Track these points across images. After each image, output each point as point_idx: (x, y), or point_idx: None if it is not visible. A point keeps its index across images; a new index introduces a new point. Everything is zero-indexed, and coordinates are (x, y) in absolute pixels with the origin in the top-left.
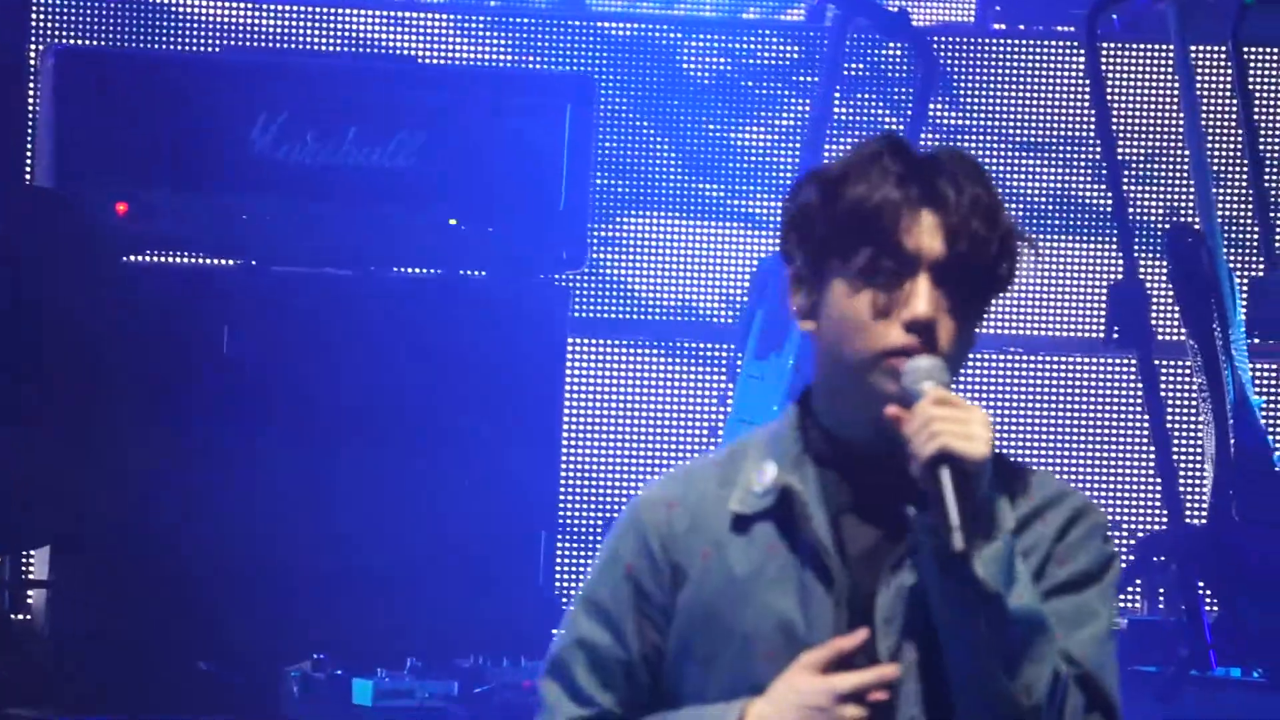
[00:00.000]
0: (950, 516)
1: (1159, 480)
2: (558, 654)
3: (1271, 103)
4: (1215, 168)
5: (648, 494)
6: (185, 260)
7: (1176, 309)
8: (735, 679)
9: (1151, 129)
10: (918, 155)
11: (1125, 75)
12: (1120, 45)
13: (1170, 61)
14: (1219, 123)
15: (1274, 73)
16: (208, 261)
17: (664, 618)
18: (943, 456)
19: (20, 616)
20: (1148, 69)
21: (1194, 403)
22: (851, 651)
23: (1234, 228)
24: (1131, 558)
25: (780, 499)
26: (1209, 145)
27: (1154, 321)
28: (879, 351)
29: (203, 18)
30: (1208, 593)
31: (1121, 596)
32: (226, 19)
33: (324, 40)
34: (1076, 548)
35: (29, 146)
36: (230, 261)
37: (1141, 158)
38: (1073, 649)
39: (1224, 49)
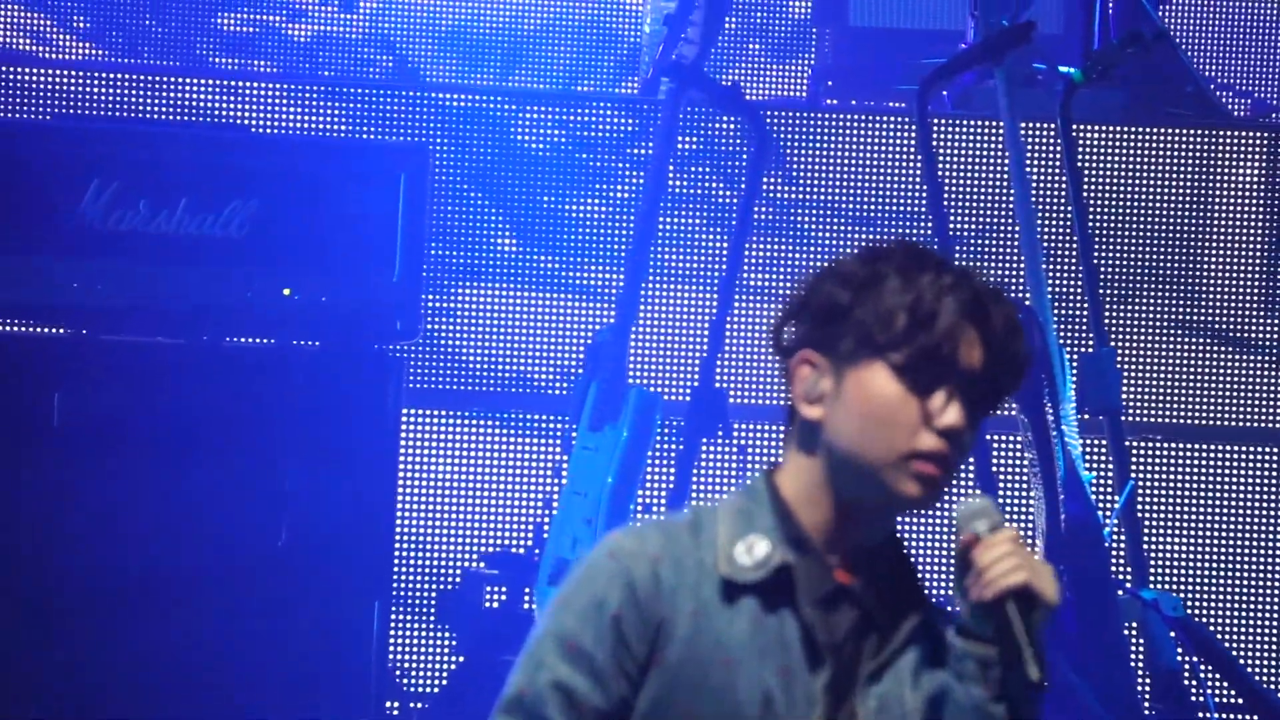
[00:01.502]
0: (1025, 650)
1: None
2: (528, 695)
3: (1100, 180)
4: (1045, 244)
5: (627, 545)
6: (14, 328)
7: None
8: None
9: (982, 205)
10: (956, 266)
11: (956, 151)
12: (951, 121)
13: (1000, 138)
14: (1049, 199)
15: (1103, 150)
16: (38, 329)
17: (639, 672)
18: (1018, 593)
19: None
20: (978, 145)
21: (1025, 477)
22: None
23: (1064, 304)
24: None
25: (774, 575)
26: (1039, 221)
27: None
28: (907, 452)
29: (34, 84)
30: None
31: None
32: (58, 86)
33: (158, 109)
34: None
35: None
36: (61, 330)
37: (972, 233)
38: None
39: (1054, 126)
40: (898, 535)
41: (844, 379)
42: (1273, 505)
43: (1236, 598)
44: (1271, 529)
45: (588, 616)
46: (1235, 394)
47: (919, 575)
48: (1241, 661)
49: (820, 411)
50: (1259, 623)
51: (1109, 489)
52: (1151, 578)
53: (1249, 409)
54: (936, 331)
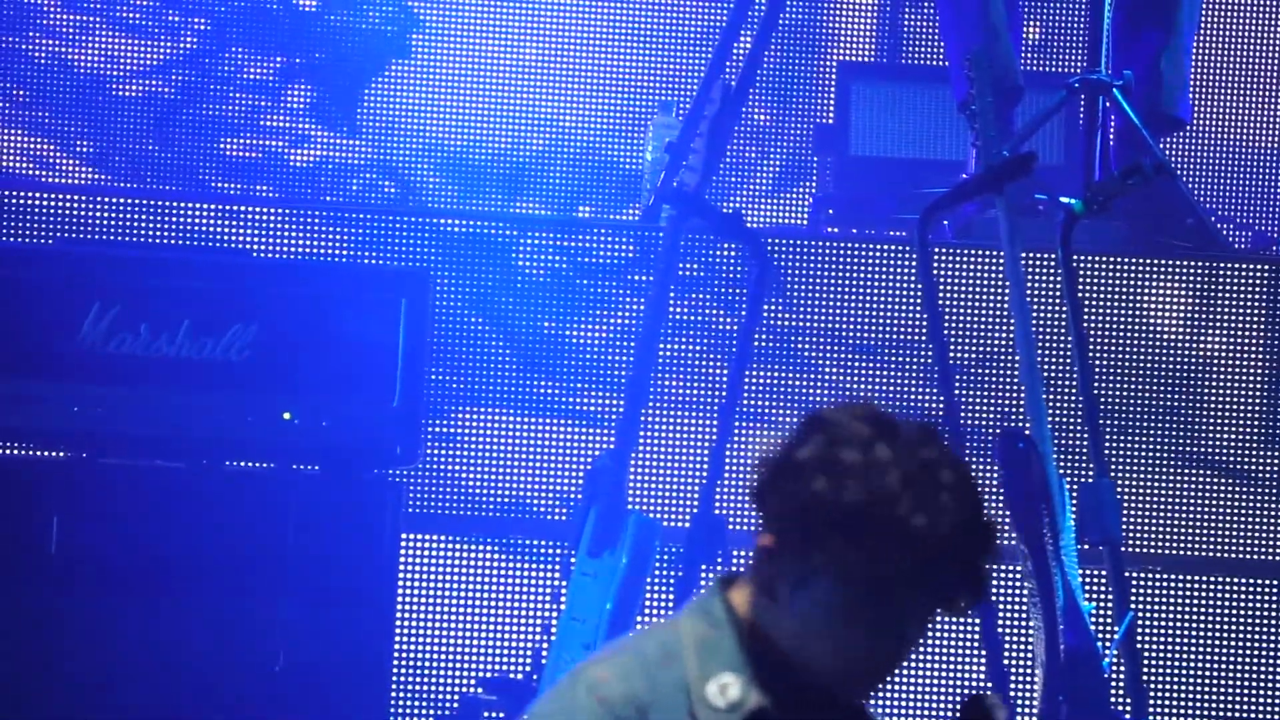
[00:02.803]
0: None
1: (989, 684)
2: None
3: (1101, 310)
4: (1045, 374)
5: (610, 690)
6: (14, 451)
7: (1006, 514)
8: None
9: (982, 334)
10: (973, 492)
11: (957, 280)
12: (952, 250)
13: (1001, 267)
14: (1049, 329)
15: (1103, 281)
16: (37, 453)
17: None
18: None
19: None
20: (979, 274)
21: (1024, 606)
22: None
23: (1064, 434)
24: None
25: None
26: (1039, 351)
27: None
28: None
29: (37, 208)
30: None
31: None
32: (61, 210)
33: (160, 233)
34: None
35: None
36: (60, 453)
37: (973, 362)
38: None
39: (1054, 256)
40: None
41: (808, 584)
42: (1273, 638)
43: None
44: (1271, 662)
45: None
46: (1235, 526)
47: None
48: None
49: (768, 602)
50: None
51: (1109, 620)
52: (1151, 709)
53: (1249, 541)
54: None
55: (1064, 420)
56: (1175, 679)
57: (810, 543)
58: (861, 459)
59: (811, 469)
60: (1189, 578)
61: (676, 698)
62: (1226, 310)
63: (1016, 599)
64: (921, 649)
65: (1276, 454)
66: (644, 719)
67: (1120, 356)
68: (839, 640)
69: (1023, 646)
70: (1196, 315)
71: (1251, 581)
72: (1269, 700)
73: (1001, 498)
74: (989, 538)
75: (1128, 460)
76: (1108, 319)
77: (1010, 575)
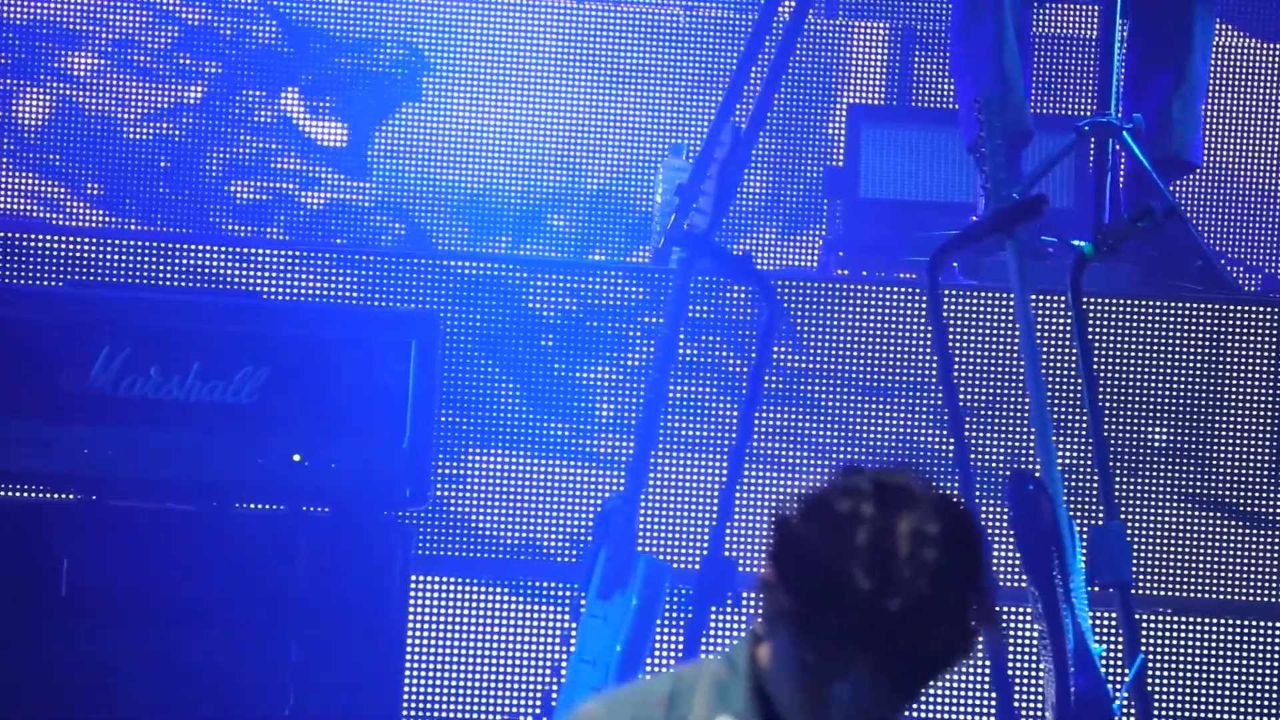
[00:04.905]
0: None
1: None
2: None
3: (1111, 353)
4: (1055, 416)
5: None
6: (24, 494)
7: (1017, 556)
8: None
9: (992, 376)
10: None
11: (966, 322)
12: (962, 292)
13: (1011, 309)
14: (1059, 371)
15: (1113, 323)
16: (47, 495)
17: None
18: None
19: None
20: (989, 316)
21: (1035, 649)
22: None
23: (1074, 476)
24: None
25: None
26: (1049, 393)
27: (994, 567)
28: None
29: (47, 251)
30: None
31: None
32: (71, 253)
33: (170, 275)
34: None
35: None
36: (70, 495)
37: (982, 404)
38: None
39: (1064, 298)
40: None
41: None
42: None
43: None
44: None
45: None
46: (1246, 568)
47: None
48: None
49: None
50: None
51: (1119, 662)
52: None
53: (1260, 584)
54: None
55: (1074, 462)
56: None
57: (777, 583)
58: (846, 510)
59: (803, 508)
60: (1200, 620)
61: None
62: (1236, 352)
63: (1027, 641)
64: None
65: None
66: None
67: (1130, 398)
68: (793, 693)
69: (1033, 689)
70: (1206, 357)
71: (1262, 624)
72: None
73: (1012, 539)
74: (951, 631)
75: (1138, 502)
76: (1118, 361)
77: (1020, 617)
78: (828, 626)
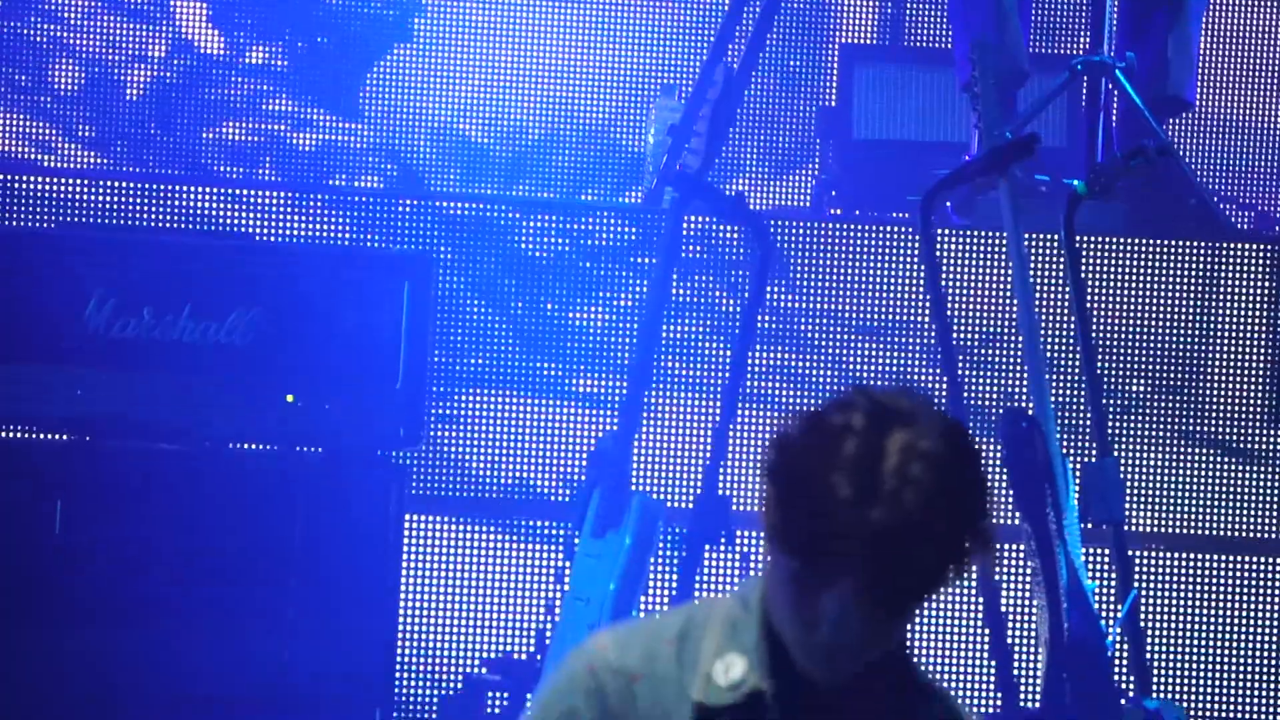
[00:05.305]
0: None
1: (993, 663)
2: None
3: (1104, 291)
4: (1048, 354)
5: (604, 657)
6: (17, 435)
7: (1010, 493)
8: None
9: (985, 315)
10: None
11: (959, 261)
12: (954, 232)
13: (1004, 249)
14: (1052, 309)
15: (1106, 262)
16: (40, 436)
17: None
18: None
19: None
20: (981, 256)
21: (1028, 586)
22: None
23: (1067, 414)
24: None
25: (748, 699)
26: (1042, 332)
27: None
28: (802, 639)
29: (38, 193)
30: None
31: None
32: (62, 194)
33: (162, 217)
34: None
35: None
36: (63, 436)
37: (975, 343)
38: None
39: (1057, 237)
40: (904, 652)
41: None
42: (1276, 616)
43: (1240, 708)
44: (1275, 639)
45: None
46: (1239, 505)
47: (924, 693)
48: None
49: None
50: None
51: (1112, 599)
52: (1154, 687)
53: (1252, 520)
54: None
55: (1067, 400)
56: (1178, 658)
57: (769, 496)
58: (838, 423)
59: (799, 423)
60: (1192, 557)
61: (673, 672)
62: (1229, 290)
63: (1020, 578)
64: (923, 626)
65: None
66: (630, 689)
67: (1123, 336)
68: (785, 610)
69: (1026, 626)
70: (1200, 295)
71: (1254, 560)
72: (1271, 677)
73: (1004, 477)
74: (941, 551)
75: (1131, 439)
76: (1111, 299)
77: (1013, 554)
78: (812, 534)
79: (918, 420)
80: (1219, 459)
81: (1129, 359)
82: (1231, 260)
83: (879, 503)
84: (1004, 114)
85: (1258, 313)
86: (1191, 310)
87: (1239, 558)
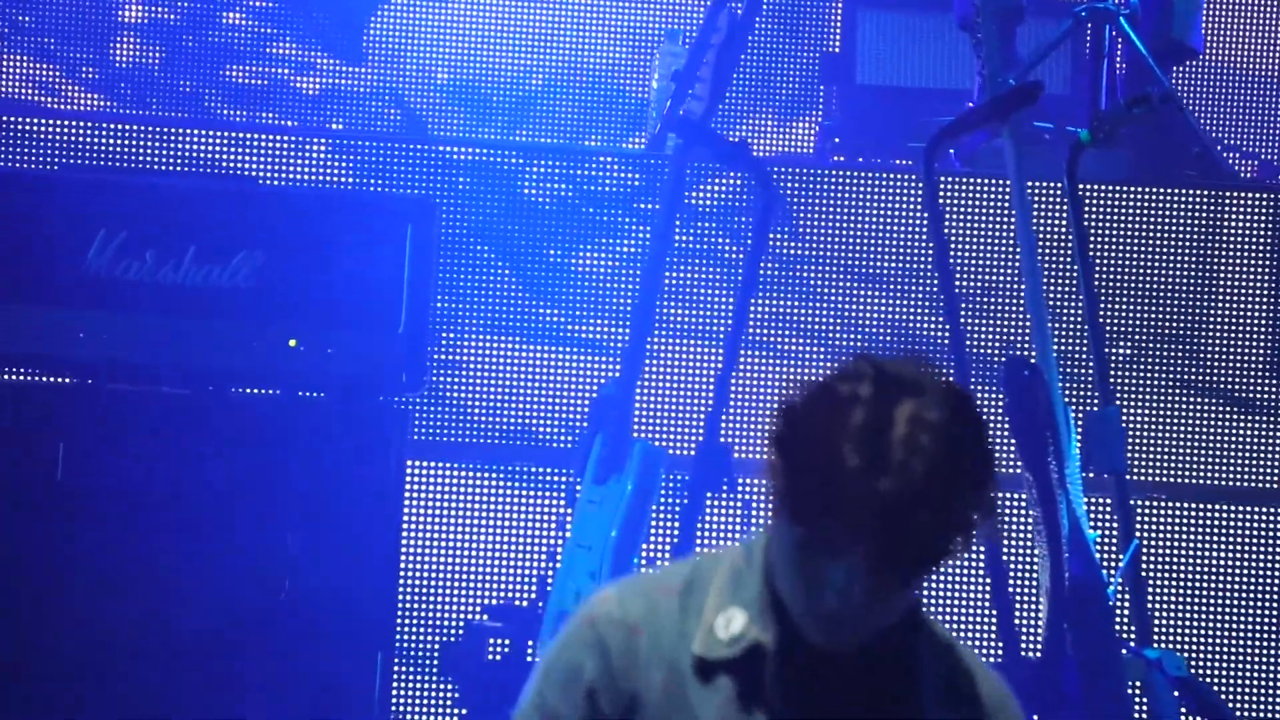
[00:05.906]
0: None
1: (994, 613)
2: None
3: (1106, 239)
4: (1051, 302)
5: (607, 610)
6: (20, 377)
7: (1012, 442)
8: None
9: (988, 263)
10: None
11: (962, 209)
12: (958, 179)
13: (1007, 196)
14: (1055, 258)
15: (1109, 210)
16: (43, 379)
17: None
18: None
19: None
20: (985, 203)
21: (1029, 535)
22: None
23: (1069, 362)
24: None
25: (748, 653)
26: (1045, 280)
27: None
28: (804, 609)
29: (42, 135)
30: None
31: None
32: (66, 137)
33: (165, 160)
34: None
35: None
36: (66, 379)
37: (978, 291)
38: None
39: (1060, 185)
40: (916, 617)
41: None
42: (1277, 566)
43: (1240, 657)
44: (1276, 590)
45: (564, 686)
46: (1240, 454)
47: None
48: None
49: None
50: (1263, 682)
51: (1113, 548)
52: (1155, 637)
53: (1254, 469)
54: (830, 504)
55: (1069, 348)
56: (1179, 606)
57: (776, 464)
58: (845, 392)
59: (806, 392)
60: (1194, 506)
61: (675, 624)
62: (1232, 238)
63: (1021, 527)
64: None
65: None
66: (631, 641)
67: (1126, 285)
68: (789, 576)
69: (1027, 574)
70: (1202, 243)
71: (1256, 509)
72: (1272, 626)
73: (1006, 425)
74: (946, 522)
75: (1133, 388)
76: (1113, 247)
77: (1015, 504)
78: (820, 504)
79: (924, 389)
80: (1221, 408)
81: (1131, 307)
82: (1235, 209)
83: (888, 473)
84: (1006, 53)
85: (1260, 261)
86: (1194, 258)
87: (1241, 508)
